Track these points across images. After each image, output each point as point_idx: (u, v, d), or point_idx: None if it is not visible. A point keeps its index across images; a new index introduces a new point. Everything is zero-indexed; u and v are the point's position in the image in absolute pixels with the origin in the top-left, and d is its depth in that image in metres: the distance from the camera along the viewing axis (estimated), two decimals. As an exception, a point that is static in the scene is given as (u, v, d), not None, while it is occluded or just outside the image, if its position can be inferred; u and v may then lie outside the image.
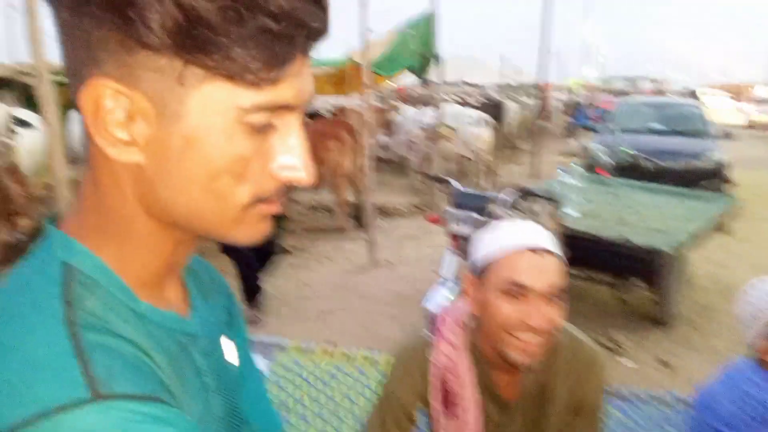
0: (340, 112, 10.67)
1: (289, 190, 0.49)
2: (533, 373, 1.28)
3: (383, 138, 9.98)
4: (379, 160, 11.67)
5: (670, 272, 3.95)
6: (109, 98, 0.47)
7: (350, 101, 10.81)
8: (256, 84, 0.47)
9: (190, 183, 0.49)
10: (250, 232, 0.54)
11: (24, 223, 4.08)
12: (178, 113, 0.47)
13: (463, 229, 3.30)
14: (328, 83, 11.76)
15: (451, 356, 1.28)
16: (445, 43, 8.48)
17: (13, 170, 4.19)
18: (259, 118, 0.49)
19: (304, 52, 0.50)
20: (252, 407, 0.76)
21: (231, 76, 0.47)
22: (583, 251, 3.66)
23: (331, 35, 0.52)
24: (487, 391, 1.29)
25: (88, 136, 0.50)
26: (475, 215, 3.27)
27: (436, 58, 7.96)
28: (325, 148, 6.85)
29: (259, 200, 0.52)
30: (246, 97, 0.48)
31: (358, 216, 6.85)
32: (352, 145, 6.90)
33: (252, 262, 4.10)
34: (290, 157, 0.52)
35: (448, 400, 1.28)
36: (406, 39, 9.61)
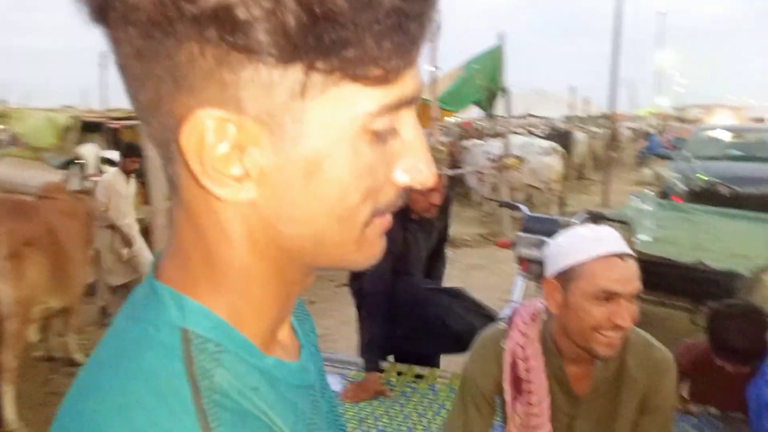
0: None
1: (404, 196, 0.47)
2: (608, 364, 1.35)
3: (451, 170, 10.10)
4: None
5: (749, 297, 3.84)
6: (212, 130, 0.39)
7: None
8: (385, 80, 0.40)
9: (318, 211, 0.42)
10: (370, 253, 0.47)
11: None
12: (297, 133, 0.40)
13: (533, 254, 3.38)
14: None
15: (523, 344, 1.39)
16: (513, 77, 8.58)
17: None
18: (384, 123, 0.42)
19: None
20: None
21: (358, 76, 0.39)
22: (657, 276, 3.63)
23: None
24: (558, 382, 1.39)
25: (185, 178, 0.43)
26: (546, 239, 3.34)
27: (504, 91, 8.06)
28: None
29: (376, 214, 0.45)
30: (373, 98, 0.40)
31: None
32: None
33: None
34: (412, 158, 0.45)
35: (520, 387, 1.39)
36: (471, 74, 9.78)
